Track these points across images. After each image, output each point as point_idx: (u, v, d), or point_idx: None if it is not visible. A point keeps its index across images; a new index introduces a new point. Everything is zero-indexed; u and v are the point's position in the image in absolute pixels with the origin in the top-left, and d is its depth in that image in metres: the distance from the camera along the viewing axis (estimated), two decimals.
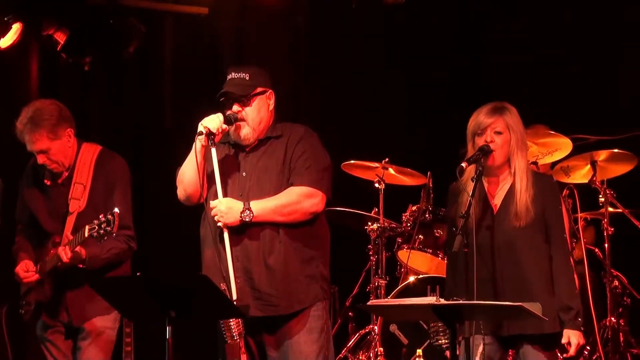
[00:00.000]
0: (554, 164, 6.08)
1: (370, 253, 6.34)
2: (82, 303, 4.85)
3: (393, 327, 5.98)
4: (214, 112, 4.41)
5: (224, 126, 4.38)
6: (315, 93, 7.57)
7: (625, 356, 5.91)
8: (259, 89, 4.45)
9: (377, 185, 6.30)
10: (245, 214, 4.28)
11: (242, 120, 4.42)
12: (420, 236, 6.19)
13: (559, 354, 4.76)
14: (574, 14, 6.95)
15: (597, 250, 6.14)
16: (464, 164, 4.33)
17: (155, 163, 6.92)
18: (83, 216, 4.80)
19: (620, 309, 6.04)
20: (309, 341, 4.36)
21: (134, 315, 4.61)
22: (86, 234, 4.57)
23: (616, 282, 6.01)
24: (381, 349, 5.95)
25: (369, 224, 6.32)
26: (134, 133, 7.30)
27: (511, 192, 4.39)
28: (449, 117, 5.44)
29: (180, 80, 7.41)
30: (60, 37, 6.49)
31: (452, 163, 4.38)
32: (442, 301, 3.86)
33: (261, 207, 4.30)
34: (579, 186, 5.90)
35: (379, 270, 6.23)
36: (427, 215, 6.17)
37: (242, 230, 4.32)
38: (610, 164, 5.96)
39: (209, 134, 4.33)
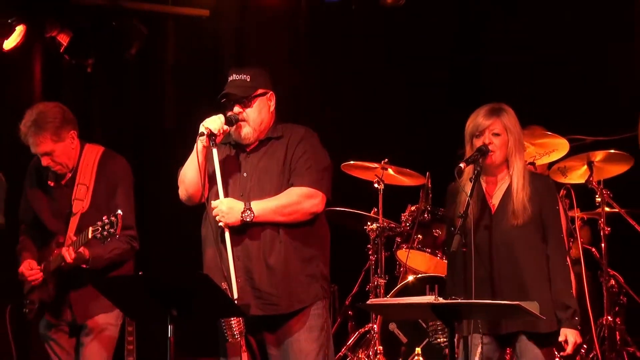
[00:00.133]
0: (551, 164, 6.08)
1: (370, 252, 6.35)
2: (85, 302, 4.87)
3: (392, 326, 5.99)
4: (215, 113, 4.42)
5: (225, 127, 4.39)
6: (315, 93, 7.57)
7: (621, 354, 5.91)
8: (260, 91, 4.46)
9: (376, 185, 6.32)
10: (246, 214, 4.29)
11: (243, 121, 4.43)
12: (419, 236, 6.21)
13: (555, 352, 4.79)
14: (574, 14, 6.94)
15: (593, 249, 6.15)
16: (462, 165, 4.34)
17: (157, 163, 6.92)
18: (86, 217, 4.83)
19: (617, 308, 6.05)
20: (310, 339, 4.37)
21: (136, 314, 4.64)
22: (90, 236, 4.59)
23: (613, 282, 6.02)
24: (380, 347, 5.97)
25: (369, 223, 6.34)
26: (135, 134, 7.31)
27: (509, 191, 4.41)
28: (449, 117, 5.42)
29: (181, 81, 7.42)
30: (63, 39, 6.50)
31: (452, 163, 4.39)
32: (441, 300, 3.88)
33: (262, 207, 4.31)
34: (575, 186, 5.92)
35: (379, 270, 6.25)
36: (425, 215, 6.19)
37: (243, 230, 4.33)
38: (606, 165, 5.97)
39: (210, 135, 4.34)
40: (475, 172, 4.36)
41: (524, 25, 7.17)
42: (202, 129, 4.37)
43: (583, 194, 6.01)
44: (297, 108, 7.23)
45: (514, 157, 4.42)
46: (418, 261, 6.37)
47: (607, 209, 6.03)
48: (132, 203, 4.98)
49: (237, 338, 4.26)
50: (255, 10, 7.27)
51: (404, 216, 6.33)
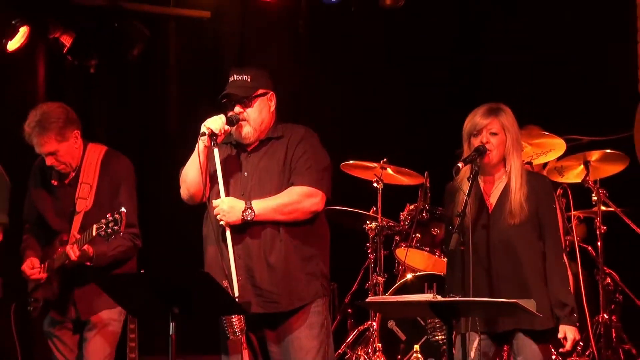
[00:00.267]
0: (545, 163, 6.11)
1: (369, 251, 6.37)
2: (89, 299, 4.89)
3: (391, 324, 6.00)
4: (216, 113, 4.43)
5: (226, 127, 4.40)
6: (315, 93, 7.56)
7: (617, 352, 5.93)
8: (261, 91, 4.48)
9: (375, 184, 6.34)
10: (247, 213, 4.30)
11: (244, 121, 4.44)
12: (417, 234, 6.23)
13: (552, 349, 4.82)
14: (574, 14, 6.93)
15: (589, 248, 6.16)
16: (460, 164, 4.34)
17: (158, 163, 6.94)
18: (90, 215, 4.85)
19: (613, 306, 6.07)
20: (310, 336, 4.39)
21: (138, 312, 4.66)
22: (94, 233, 4.61)
23: (608, 280, 6.04)
24: (379, 344, 5.98)
25: (368, 222, 6.37)
26: (137, 134, 7.31)
27: (506, 190, 4.41)
28: (448, 117, 5.41)
29: (183, 82, 7.43)
30: (66, 40, 6.52)
31: (451, 163, 4.39)
32: (439, 298, 3.90)
33: (262, 206, 4.33)
34: (572, 186, 5.92)
35: (378, 268, 6.27)
36: (424, 214, 6.21)
37: (243, 229, 4.34)
38: (602, 164, 6.00)
39: (212, 135, 4.36)
40: (473, 171, 4.37)
41: (524, 25, 7.16)
42: (203, 129, 4.39)
43: (580, 193, 6.02)
44: (297, 108, 7.23)
45: (512, 157, 4.42)
46: (416, 259, 6.39)
47: (603, 207, 6.04)
48: (135, 201, 4.99)
49: (238, 335, 4.27)
50: (255, 12, 7.26)
51: (403, 215, 6.35)
